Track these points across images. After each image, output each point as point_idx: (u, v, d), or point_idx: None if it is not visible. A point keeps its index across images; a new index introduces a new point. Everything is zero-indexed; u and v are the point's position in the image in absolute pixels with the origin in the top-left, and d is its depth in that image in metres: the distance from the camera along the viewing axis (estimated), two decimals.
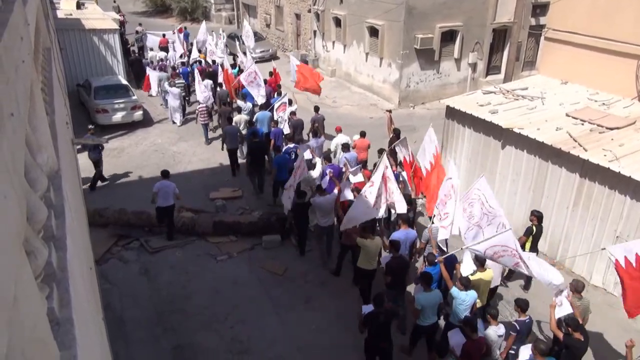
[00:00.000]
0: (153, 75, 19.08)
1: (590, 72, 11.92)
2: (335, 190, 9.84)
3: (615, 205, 9.01)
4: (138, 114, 16.93)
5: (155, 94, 19.37)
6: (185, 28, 26.07)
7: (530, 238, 8.89)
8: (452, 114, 12.25)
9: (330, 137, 13.59)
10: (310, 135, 13.41)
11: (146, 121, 17.53)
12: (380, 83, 20.16)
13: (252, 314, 8.98)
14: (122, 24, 23.94)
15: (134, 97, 17.08)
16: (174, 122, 17.46)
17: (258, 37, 26.76)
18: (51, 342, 1.54)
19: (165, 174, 11.00)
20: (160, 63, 20.59)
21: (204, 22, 25.01)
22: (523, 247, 8.55)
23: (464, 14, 18.84)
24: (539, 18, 19.64)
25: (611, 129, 10.02)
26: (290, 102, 14.41)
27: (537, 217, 8.99)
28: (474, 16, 19.05)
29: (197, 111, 16.17)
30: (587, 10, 11.84)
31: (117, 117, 16.54)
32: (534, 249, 8.87)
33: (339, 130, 12.94)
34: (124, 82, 18.15)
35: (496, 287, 8.48)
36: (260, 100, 15.19)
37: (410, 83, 19.24)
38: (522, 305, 7.04)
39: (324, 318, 8.81)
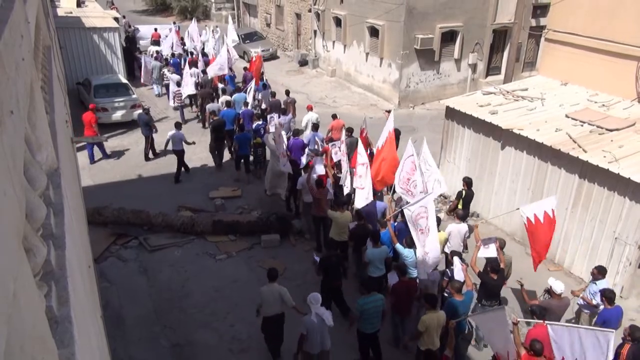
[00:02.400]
0: (148, 65, 20.05)
1: (590, 74, 11.92)
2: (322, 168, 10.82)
3: (614, 206, 9.01)
4: (138, 113, 16.91)
5: (149, 83, 20.33)
6: (174, 23, 27.21)
7: (461, 201, 10.34)
8: (452, 114, 12.24)
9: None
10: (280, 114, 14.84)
11: None
12: (380, 83, 20.16)
13: (251, 313, 8.95)
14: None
15: (133, 96, 17.07)
16: (174, 109, 18.38)
17: (258, 36, 26.78)
18: (50, 339, 1.54)
19: (177, 125, 13.67)
20: (157, 55, 21.27)
21: (194, 19, 25.42)
22: (455, 208, 10.18)
23: (464, 15, 18.84)
24: (540, 19, 19.64)
25: (611, 130, 10.03)
26: (265, 86, 16.90)
27: (467, 182, 10.44)
28: (474, 17, 19.05)
29: (173, 94, 17.81)
30: (587, 11, 11.84)
31: (117, 115, 16.53)
32: (466, 209, 10.18)
33: (309, 109, 14.81)
34: (124, 80, 18.14)
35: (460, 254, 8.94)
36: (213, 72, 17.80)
37: (410, 83, 19.24)
38: (456, 256, 8.24)
39: None
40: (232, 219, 11.35)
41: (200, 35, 22.37)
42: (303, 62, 24.79)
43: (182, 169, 13.68)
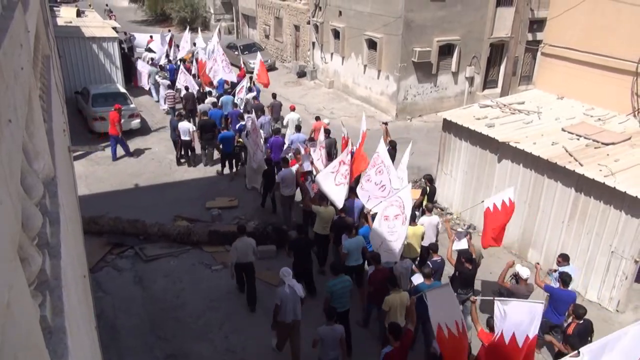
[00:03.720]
0: (145, 69, 20.97)
1: (586, 88, 12.02)
2: (297, 165, 11.72)
3: (610, 220, 9.03)
4: (136, 122, 16.93)
5: (146, 87, 21.12)
6: (169, 30, 28.08)
7: (425, 197, 11.07)
8: (449, 127, 12.29)
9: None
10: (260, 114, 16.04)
11: (144, 129, 17.52)
12: (378, 95, 20.25)
13: (246, 324, 8.93)
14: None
15: (132, 105, 17.07)
16: (164, 111, 19.12)
17: (257, 47, 26.93)
18: (44, 350, 1.53)
19: (185, 117, 15.73)
20: (153, 61, 21.99)
21: (187, 29, 25.93)
22: (421, 204, 10.90)
23: (462, 29, 19.00)
24: (536, 33, 19.81)
25: (607, 144, 10.08)
26: (250, 89, 17.71)
27: (427, 179, 11.34)
28: (471, 31, 19.21)
29: (165, 95, 18.49)
30: (583, 26, 11.96)
31: None
32: (430, 203, 10.71)
33: (292, 109, 15.77)
34: (122, 90, 18.16)
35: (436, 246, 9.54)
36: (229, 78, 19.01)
37: (408, 95, 19.34)
38: (432, 248, 8.90)
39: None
40: (229, 229, 11.30)
41: (194, 44, 23.16)
42: (301, 74, 24.91)
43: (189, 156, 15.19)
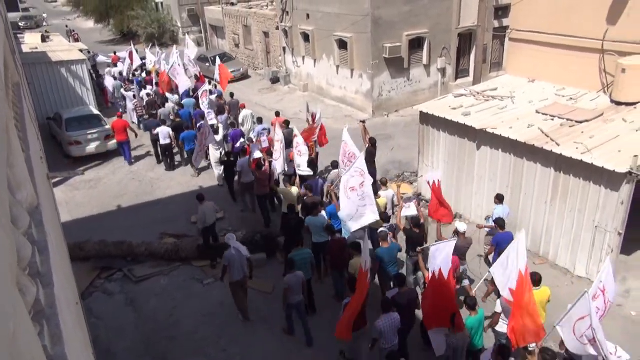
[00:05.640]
0: (110, 84, 21.61)
1: (556, 69, 12.23)
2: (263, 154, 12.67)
3: (591, 195, 9.20)
4: (112, 143, 16.72)
5: (115, 102, 21.59)
6: (134, 44, 27.93)
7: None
8: (426, 119, 12.41)
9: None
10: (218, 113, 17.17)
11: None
12: (353, 94, 20.34)
13: (243, 335, 8.89)
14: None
15: (107, 127, 16.87)
16: (132, 122, 19.16)
17: (227, 57, 26.84)
18: None
19: (163, 122, 16.31)
20: (120, 76, 22.54)
21: (155, 45, 26.05)
22: None
23: (429, 21, 19.20)
24: (502, 20, 20.12)
25: (580, 122, 10.27)
26: (210, 92, 18.28)
27: (372, 144, 12.68)
28: (439, 22, 19.42)
29: (133, 105, 19.24)
30: (547, 9, 12.18)
31: (91, 147, 16.33)
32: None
33: (243, 107, 17.08)
34: (96, 111, 17.95)
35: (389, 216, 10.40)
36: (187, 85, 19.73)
37: (383, 92, 19.46)
38: (382, 217, 9.43)
39: (317, 333, 8.76)
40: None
41: (156, 57, 23.58)
42: (275, 80, 24.89)
43: (169, 160, 15.92)
